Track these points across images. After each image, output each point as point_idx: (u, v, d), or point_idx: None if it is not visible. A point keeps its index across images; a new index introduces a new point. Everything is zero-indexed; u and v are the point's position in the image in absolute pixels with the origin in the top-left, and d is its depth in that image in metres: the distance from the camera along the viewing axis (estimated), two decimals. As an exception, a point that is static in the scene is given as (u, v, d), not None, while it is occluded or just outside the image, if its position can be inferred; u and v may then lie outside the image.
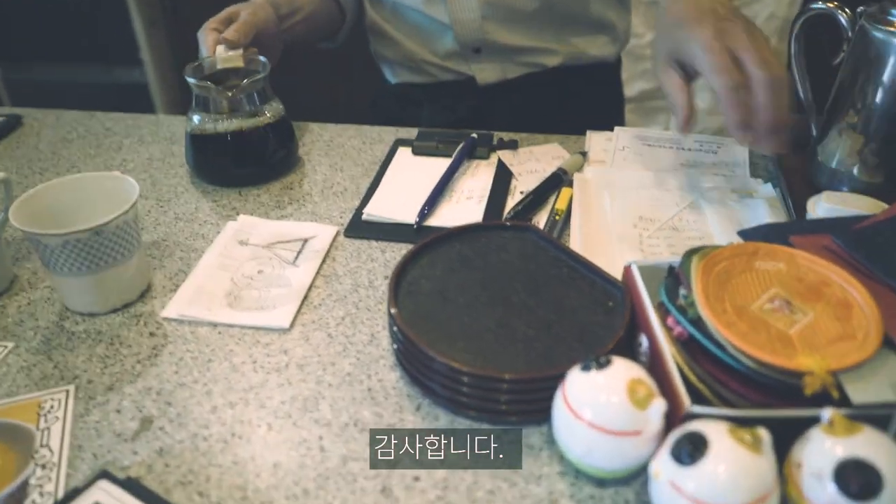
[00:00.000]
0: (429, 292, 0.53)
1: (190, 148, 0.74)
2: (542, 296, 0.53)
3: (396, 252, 0.64)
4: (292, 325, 0.56)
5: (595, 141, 0.79)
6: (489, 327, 0.50)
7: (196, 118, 0.72)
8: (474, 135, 0.78)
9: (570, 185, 0.71)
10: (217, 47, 0.73)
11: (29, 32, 2.17)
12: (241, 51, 0.73)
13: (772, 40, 1.81)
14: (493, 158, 0.77)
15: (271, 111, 0.74)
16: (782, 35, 1.81)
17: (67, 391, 0.51)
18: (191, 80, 0.70)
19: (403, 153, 0.79)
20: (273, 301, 0.58)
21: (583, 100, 0.93)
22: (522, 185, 0.73)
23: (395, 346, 0.53)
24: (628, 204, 0.68)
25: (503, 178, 0.74)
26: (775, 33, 1.80)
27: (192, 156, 0.74)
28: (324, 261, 0.63)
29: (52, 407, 0.50)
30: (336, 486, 0.44)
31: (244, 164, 0.74)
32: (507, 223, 0.63)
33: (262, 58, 0.73)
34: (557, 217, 0.66)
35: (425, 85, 0.95)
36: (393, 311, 0.51)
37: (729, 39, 0.60)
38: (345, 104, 1.16)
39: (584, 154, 0.76)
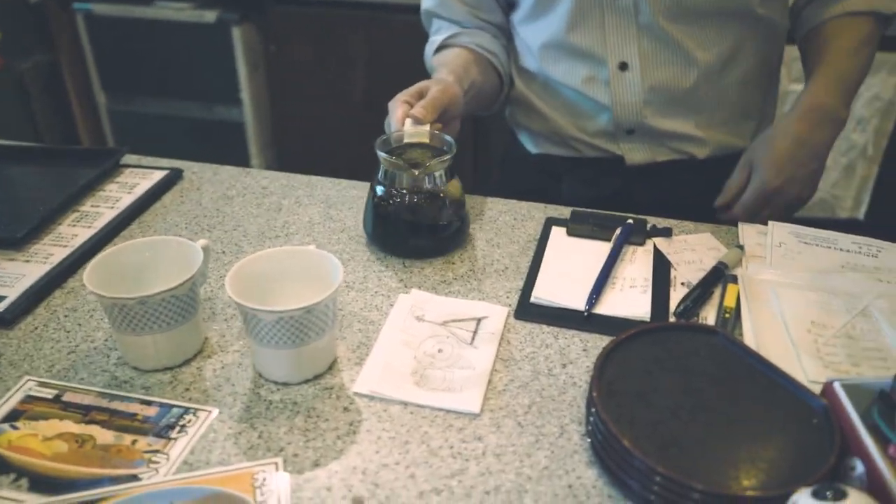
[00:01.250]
0: (626, 391, 0.54)
1: (370, 215, 0.77)
2: (738, 405, 0.54)
3: (568, 339, 0.66)
4: (482, 410, 0.58)
5: (748, 234, 0.80)
6: (694, 436, 0.51)
7: (380, 189, 0.75)
8: (630, 220, 0.79)
9: (733, 280, 0.72)
10: (406, 120, 0.76)
11: (135, 66, 2.27)
12: (427, 127, 0.76)
13: (873, 121, 1.81)
14: (648, 245, 0.78)
15: (454, 188, 0.76)
16: (885, 115, 1.80)
17: (276, 463, 0.53)
18: (381, 154, 0.73)
19: (558, 233, 0.80)
20: (459, 383, 0.60)
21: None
22: (682, 276, 0.74)
23: (593, 442, 0.53)
24: (798, 306, 0.68)
25: (662, 266, 0.75)
26: (878, 113, 1.79)
27: (372, 223, 0.77)
28: (500, 343, 0.65)
29: (264, 479, 0.52)
30: (557, 590, 0.45)
31: (421, 237, 0.77)
32: (695, 324, 0.63)
33: (447, 137, 0.76)
34: (727, 315, 0.67)
35: (568, 158, 0.97)
36: (594, 406, 0.52)
37: (783, 185, 0.83)
38: (470, 166, 1.19)
39: (741, 248, 0.77)
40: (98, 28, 2.24)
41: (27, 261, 0.74)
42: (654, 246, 0.78)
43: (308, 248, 0.63)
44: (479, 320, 0.67)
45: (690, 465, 0.49)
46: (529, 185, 1.00)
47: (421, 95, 0.80)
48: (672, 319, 0.67)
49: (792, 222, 0.81)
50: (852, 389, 0.52)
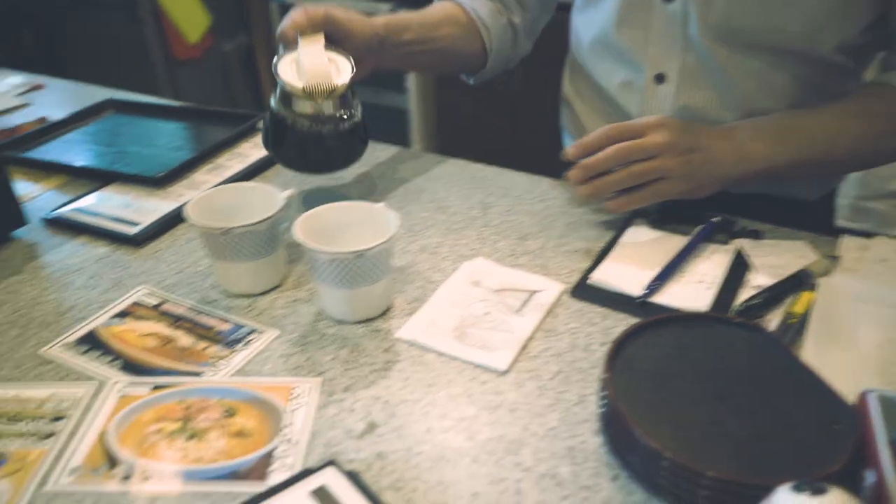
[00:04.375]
0: (645, 370, 0.55)
1: (271, 131, 0.80)
2: (762, 401, 0.52)
3: (617, 321, 0.66)
4: (509, 369, 0.61)
5: (848, 247, 0.75)
6: (701, 420, 0.51)
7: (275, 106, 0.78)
8: (716, 218, 0.78)
9: (810, 288, 0.68)
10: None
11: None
12: (321, 42, 0.76)
13: None
14: (732, 245, 0.76)
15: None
16: None
17: (314, 383, 0.59)
18: (283, 80, 0.74)
19: (640, 224, 0.80)
20: (495, 344, 0.63)
21: None
22: (759, 280, 0.71)
23: (601, 412, 0.55)
24: (878, 322, 0.64)
25: (739, 268, 0.73)
26: None
27: (273, 139, 0.80)
28: (546, 315, 0.67)
29: (299, 394, 0.58)
30: (526, 531, 0.47)
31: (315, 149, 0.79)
32: (737, 320, 0.62)
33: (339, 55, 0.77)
34: (792, 321, 0.64)
35: None
36: (605, 377, 0.53)
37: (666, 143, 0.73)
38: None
39: (833, 258, 0.72)
40: (289, 17, 2.48)
41: (163, 199, 0.87)
42: (738, 247, 0.76)
43: (375, 205, 0.69)
44: (532, 293, 0.70)
45: (683, 442, 0.48)
46: None
47: (326, 17, 0.77)
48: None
49: None
50: (889, 403, 0.49)
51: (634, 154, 0.73)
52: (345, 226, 0.68)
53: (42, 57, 2.77)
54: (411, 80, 2.33)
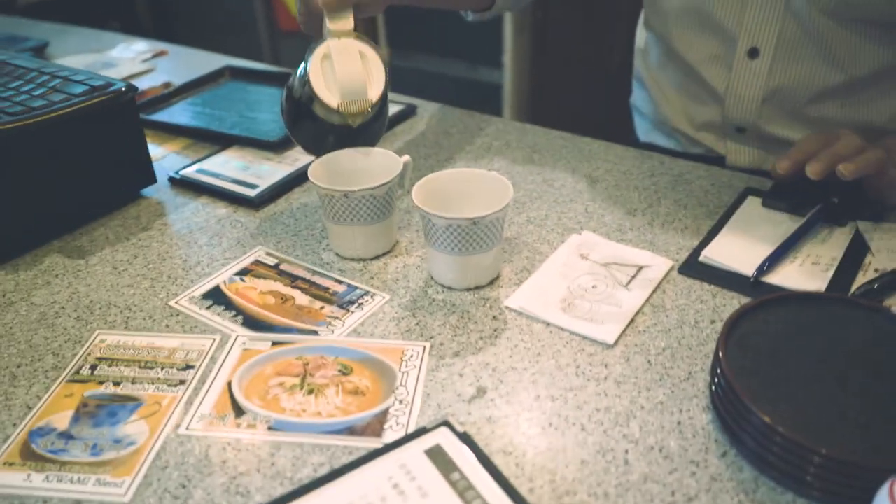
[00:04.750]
0: (760, 349, 0.54)
1: (291, 111, 0.77)
2: (885, 385, 0.51)
3: (727, 299, 0.65)
4: (616, 343, 0.61)
5: (980, 233, 0.71)
6: (817, 400, 0.50)
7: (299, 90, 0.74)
8: (835, 199, 0.75)
9: (939, 275, 0.65)
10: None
11: (417, 27, 2.50)
12: (350, 27, 0.72)
13: None
14: (850, 228, 0.73)
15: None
16: None
17: (424, 347, 0.62)
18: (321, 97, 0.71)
19: (753, 203, 0.78)
20: (602, 317, 0.63)
21: None
22: (879, 263, 0.68)
23: (713, 388, 0.54)
24: None
25: (858, 250, 0.70)
26: None
27: (292, 119, 0.77)
28: (654, 291, 0.67)
29: (411, 356, 0.61)
30: (633, 499, 0.48)
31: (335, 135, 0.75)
32: (858, 300, 0.60)
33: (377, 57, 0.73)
34: (916, 307, 0.62)
35: (670, 152, 0.91)
36: (719, 352, 0.53)
37: None
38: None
39: (963, 245, 0.69)
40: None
41: (279, 162, 0.91)
42: (857, 229, 0.73)
43: (490, 173, 0.70)
44: (640, 268, 0.69)
45: (797, 421, 0.48)
46: None
47: None
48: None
49: None
50: None
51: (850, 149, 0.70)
52: (458, 193, 0.70)
53: (155, 26, 2.91)
54: (507, 55, 2.32)
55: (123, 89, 0.77)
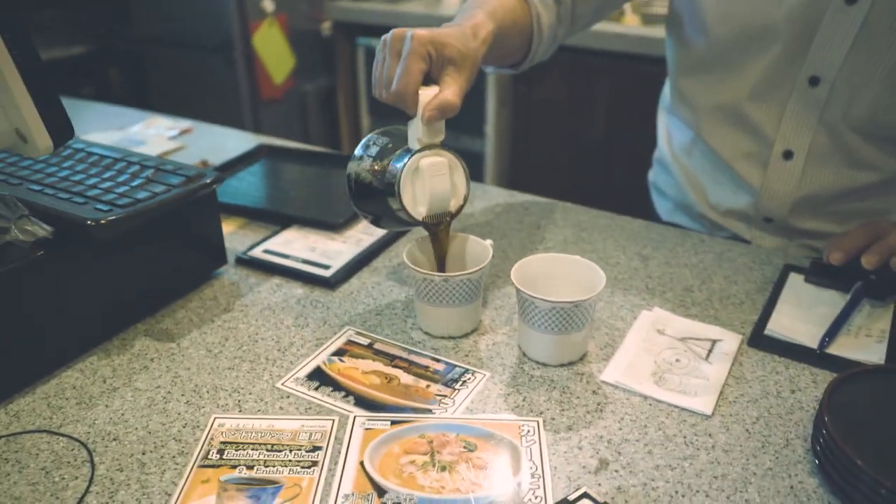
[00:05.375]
0: (859, 415, 0.60)
1: (360, 191, 0.78)
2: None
3: (798, 370, 0.72)
4: (713, 413, 0.66)
5: None
6: (920, 463, 0.56)
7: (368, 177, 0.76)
8: (873, 276, 0.83)
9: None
10: (422, 93, 0.68)
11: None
12: (441, 131, 0.72)
13: None
14: (891, 305, 0.82)
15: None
16: None
17: (538, 422, 0.66)
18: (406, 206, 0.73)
19: (795, 279, 0.86)
20: (693, 389, 0.69)
21: None
22: (921, 334, 0.77)
23: (818, 450, 0.60)
24: None
25: (900, 322, 0.78)
26: None
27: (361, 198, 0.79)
28: (733, 363, 0.73)
29: (527, 431, 0.65)
30: (774, 563, 0.52)
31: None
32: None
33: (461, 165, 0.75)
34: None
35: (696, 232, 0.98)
36: (825, 418, 0.59)
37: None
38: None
39: None
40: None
41: (343, 242, 0.95)
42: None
43: (578, 258, 0.76)
44: (714, 342, 0.76)
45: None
46: None
47: (438, 50, 0.67)
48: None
49: None
50: None
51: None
52: (545, 275, 0.75)
53: (128, 93, 2.92)
54: (490, 125, 2.42)
55: (211, 180, 0.80)
